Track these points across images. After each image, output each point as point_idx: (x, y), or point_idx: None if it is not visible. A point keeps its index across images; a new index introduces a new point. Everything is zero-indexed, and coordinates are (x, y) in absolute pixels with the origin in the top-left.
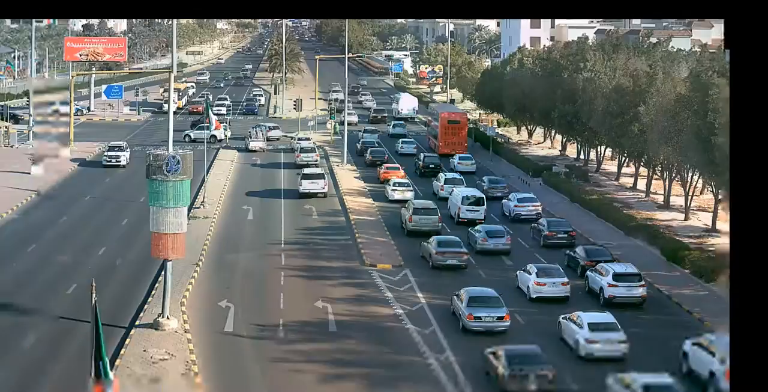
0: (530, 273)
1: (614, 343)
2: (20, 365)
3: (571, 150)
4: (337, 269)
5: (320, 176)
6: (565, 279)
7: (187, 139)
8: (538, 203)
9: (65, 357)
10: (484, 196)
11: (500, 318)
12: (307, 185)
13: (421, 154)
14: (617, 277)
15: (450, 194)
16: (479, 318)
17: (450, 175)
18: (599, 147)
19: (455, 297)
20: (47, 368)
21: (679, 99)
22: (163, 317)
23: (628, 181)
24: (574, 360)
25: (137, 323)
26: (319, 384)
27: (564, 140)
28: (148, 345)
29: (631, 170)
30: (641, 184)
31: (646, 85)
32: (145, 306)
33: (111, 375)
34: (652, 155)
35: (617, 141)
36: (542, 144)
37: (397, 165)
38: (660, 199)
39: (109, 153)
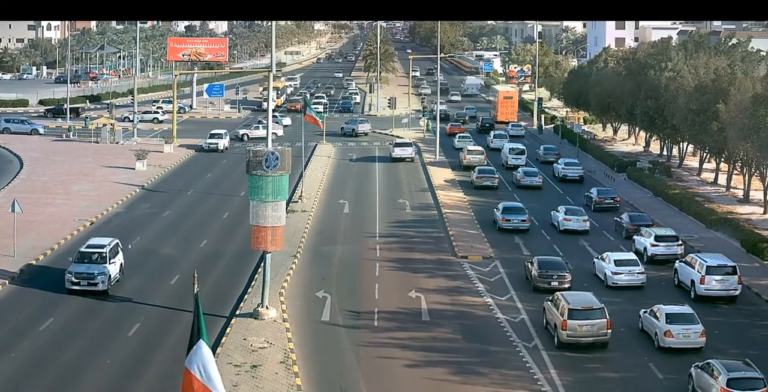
0: (559, 212)
1: (634, 274)
2: (125, 352)
3: (655, 146)
4: (430, 260)
5: (409, 145)
6: (586, 217)
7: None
8: (581, 167)
9: (168, 345)
10: (525, 148)
11: (523, 221)
12: (398, 152)
13: (480, 116)
14: (658, 238)
15: (501, 147)
16: (509, 220)
17: (498, 132)
18: (681, 143)
19: (495, 209)
20: (149, 356)
21: (756, 98)
22: (262, 307)
23: (709, 176)
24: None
25: (237, 312)
26: (410, 369)
27: (647, 136)
28: (248, 334)
29: (713, 165)
30: (722, 179)
31: (726, 84)
32: (245, 296)
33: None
34: (731, 151)
35: (698, 138)
36: (626, 141)
37: (460, 123)
38: (740, 193)
39: (209, 141)
